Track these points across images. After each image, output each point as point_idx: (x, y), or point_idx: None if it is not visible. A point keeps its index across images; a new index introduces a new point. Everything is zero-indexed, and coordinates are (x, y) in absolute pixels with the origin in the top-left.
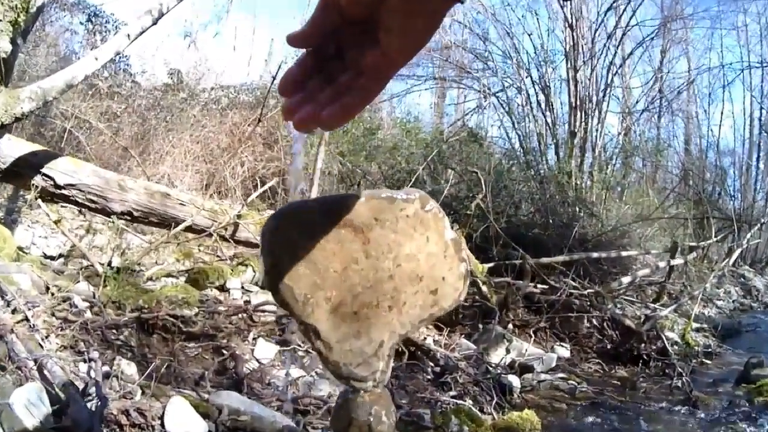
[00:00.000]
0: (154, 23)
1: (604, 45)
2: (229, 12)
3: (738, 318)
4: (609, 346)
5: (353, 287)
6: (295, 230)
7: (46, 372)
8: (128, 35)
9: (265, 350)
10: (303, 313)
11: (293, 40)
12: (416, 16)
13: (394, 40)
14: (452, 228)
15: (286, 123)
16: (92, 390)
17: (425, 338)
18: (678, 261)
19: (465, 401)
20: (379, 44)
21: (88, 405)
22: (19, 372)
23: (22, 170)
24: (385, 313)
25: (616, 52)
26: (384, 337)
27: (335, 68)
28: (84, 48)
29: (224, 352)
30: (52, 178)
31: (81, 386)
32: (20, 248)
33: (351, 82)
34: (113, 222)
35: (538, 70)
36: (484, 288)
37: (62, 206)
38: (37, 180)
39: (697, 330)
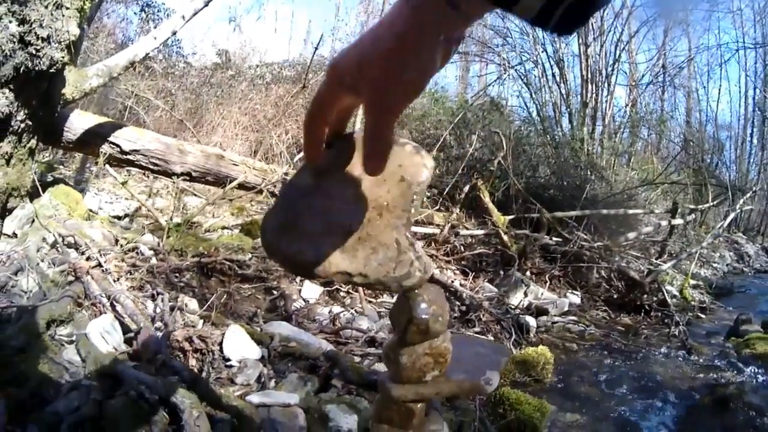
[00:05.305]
0: (206, 5)
1: (612, 23)
2: None
3: (731, 280)
4: (615, 296)
5: (341, 225)
6: (283, 205)
7: (118, 306)
8: (183, 16)
9: (311, 291)
10: (321, 273)
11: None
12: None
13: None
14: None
15: None
16: (159, 321)
17: (453, 281)
18: (678, 221)
19: (487, 337)
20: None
21: (157, 333)
22: (94, 308)
23: (91, 140)
24: (379, 221)
25: (623, 30)
26: (393, 235)
27: None
28: (138, 35)
29: (274, 292)
30: (118, 146)
31: (150, 316)
32: (90, 210)
33: None
34: (173, 182)
35: (552, 45)
36: (506, 238)
37: (127, 171)
38: (105, 147)
39: (694, 287)
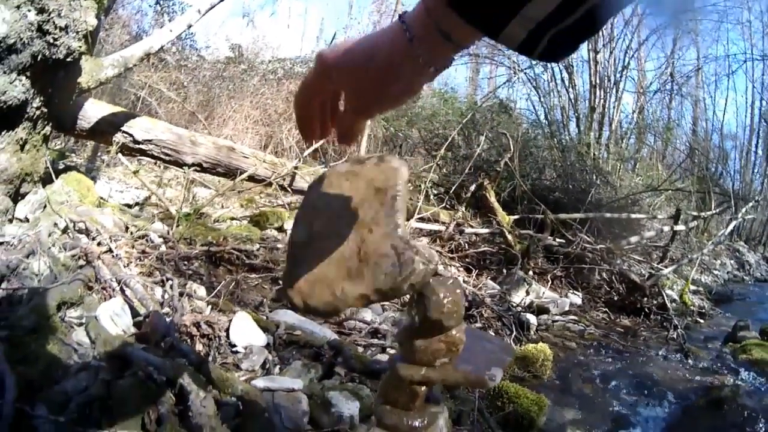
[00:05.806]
0: (221, 0)
1: (622, 30)
2: None
3: (731, 287)
4: (616, 298)
5: (341, 257)
6: (291, 262)
7: (127, 291)
8: (199, 10)
9: None
10: (341, 305)
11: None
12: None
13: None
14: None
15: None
16: (167, 306)
17: (456, 277)
18: (681, 228)
19: (489, 332)
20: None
21: (165, 318)
22: (104, 291)
23: (105, 128)
24: (372, 237)
25: (632, 38)
26: (389, 242)
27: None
28: (153, 28)
29: (281, 282)
30: (131, 135)
31: (159, 301)
32: (101, 198)
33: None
34: (184, 172)
35: None
36: (510, 237)
37: (138, 161)
38: (118, 136)
39: (694, 292)
